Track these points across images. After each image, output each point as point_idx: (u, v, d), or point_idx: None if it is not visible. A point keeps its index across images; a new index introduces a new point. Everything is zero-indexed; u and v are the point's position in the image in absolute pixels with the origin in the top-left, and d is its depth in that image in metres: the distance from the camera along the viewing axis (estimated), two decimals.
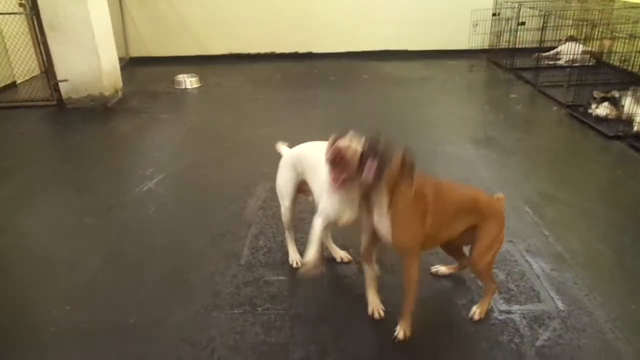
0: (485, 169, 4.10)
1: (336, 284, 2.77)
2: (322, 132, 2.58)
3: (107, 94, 5.91)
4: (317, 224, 2.33)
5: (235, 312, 2.55)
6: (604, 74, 5.81)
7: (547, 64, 6.93)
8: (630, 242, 3.09)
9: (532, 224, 3.26)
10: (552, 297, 2.58)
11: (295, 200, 2.79)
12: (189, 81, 6.75)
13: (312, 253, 2.25)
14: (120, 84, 6.33)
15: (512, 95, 6.06)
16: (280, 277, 2.81)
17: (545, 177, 3.94)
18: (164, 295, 2.70)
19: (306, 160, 2.59)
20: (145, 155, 4.64)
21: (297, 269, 2.82)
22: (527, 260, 2.87)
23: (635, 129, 4.62)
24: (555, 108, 5.49)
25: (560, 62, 6.94)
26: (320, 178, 2.37)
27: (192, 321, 2.49)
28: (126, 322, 2.49)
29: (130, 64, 7.71)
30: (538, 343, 2.29)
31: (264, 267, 2.91)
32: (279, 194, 2.84)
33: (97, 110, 5.74)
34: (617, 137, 4.53)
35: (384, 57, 7.88)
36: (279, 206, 3.55)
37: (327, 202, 2.28)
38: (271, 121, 5.40)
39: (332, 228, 2.64)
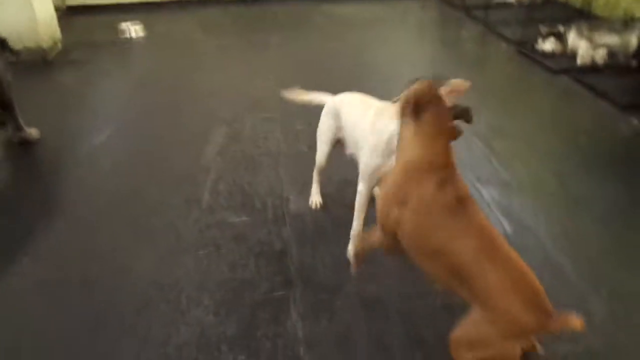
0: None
1: (297, 220, 2.84)
2: (277, 76, 2.59)
3: (45, 46, 5.57)
4: (362, 191, 2.41)
5: (200, 253, 2.59)
6: (551, 11, 5.93)
7: (497, 2, 6.99)
8: (572, 168, 3.29)
9: (481, 155, 3.41)
10: (500, 222, 2.75)
11: (331, 149, 2.75)
12: (133, 29, 6.43)
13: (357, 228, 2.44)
14: (58, 35, 5.97)
15: (463, 34, 6.14)
16: (243, 218, 2.86)
17: (495, 111, 4.08)
18: (127, 244, 2.71)
19: (344, 113, 2.56)
20: (94, 108, 4.47)
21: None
22: (477, 189, 3.02)
23: (578, 62, 4.80)
24: (504, 45, 5.61)
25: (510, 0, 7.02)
26: (357, 133, 2.40)
27: (158, 265, 2.52)
28: (91, 273, 2.50)
29: (68, 14, 7.25)
30: None
31: (226, 210, 2.94)
32: (318, 139, 2.78)
33: (36, 64, 5.42)
34: (563, 72, 4.70)
35: None
36: (237, 150, 3.61)
37: (368, 156, 2.30)
38: (224, 67, 5.29)
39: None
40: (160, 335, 2.12)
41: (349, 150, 2.58)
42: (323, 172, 2.90)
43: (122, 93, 4.78)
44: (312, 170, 2.97)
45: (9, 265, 2.54)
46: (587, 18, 5.24)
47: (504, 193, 3.00)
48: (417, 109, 1.70)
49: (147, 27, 6.50)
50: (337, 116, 2.60)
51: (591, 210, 2.87)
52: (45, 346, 2.10)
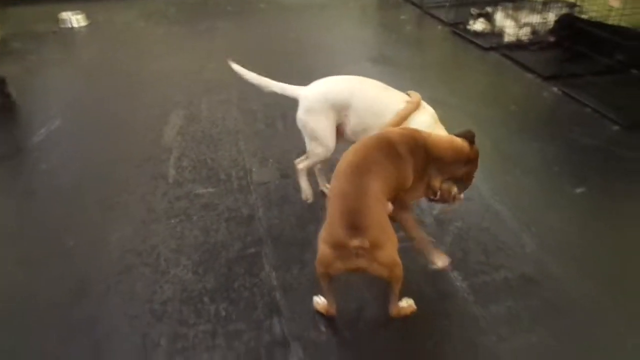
0: (382, 82, 4.48)
1: (261, 188, 3.04)
2: (226, 62, 2.76)
3: None
4: None
5: (172, 222, 2.75)
6: None
7: None
8: (504, 132, 3.67)
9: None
10: None
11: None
12: (74, 19, 6.34)
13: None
14: None
15: (402, 17, 6.48)
16: (209, 189, 3.03)
17: (433, 85, 4.42)
18: (99, 219, 2.82)
19: (358, 98, 2.49)
20: (43, 97, 4.44)
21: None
22: None
23: (505, 40, 5.24)
24: (439, 27, 5.99)
25: None
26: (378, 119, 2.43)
27: (133, 235, 2.66)
28: (66, 245, 2.60)
29: (3, 4, 7.01)
30: (434, 212, 2.77)
31: (192, 182, 3.10)
32: (313, 138, 2.58)
33: None
34: (492, 49, 5.12)
35: None
36: (197, 130, 3.76)
37: None
38: (173, 54, 5.36)
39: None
40: (145, 293, 2.28)
41: (350, 134, 2.56)
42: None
43: (71, 81, 4.77)
44: (272, 146, 3.17)
45: None
46: (512, 0, 5.69)
47: None
48: (462, 136, 2.22)
49: (88, 16, 6.42)
50: (340, 108, 2.51)
51: (522, 166, 3.24)
52: (33, 314, 2.21)
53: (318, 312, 2.14)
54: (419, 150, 2.04)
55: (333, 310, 2.11)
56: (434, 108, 3.99)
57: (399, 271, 1.90)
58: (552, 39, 4.95)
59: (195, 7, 7.14)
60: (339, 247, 1.79)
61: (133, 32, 6.18)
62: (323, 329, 2.10)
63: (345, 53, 5.32)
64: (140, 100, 4.32)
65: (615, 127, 3.63)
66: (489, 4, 5.65)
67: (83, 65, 5.24)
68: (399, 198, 2.10)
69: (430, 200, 2.25)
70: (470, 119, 3.85)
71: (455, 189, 2.20)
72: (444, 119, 3.81)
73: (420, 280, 2.31)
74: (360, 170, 1.90)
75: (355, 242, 1.74)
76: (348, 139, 2.58)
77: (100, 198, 2.99)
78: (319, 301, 2.16)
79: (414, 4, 6.81)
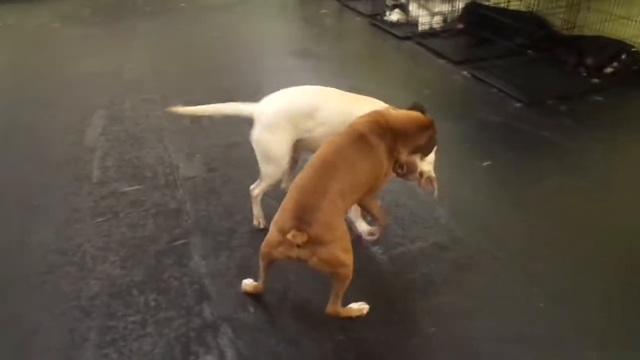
0: (303, 74, 4.63)
1: (188, 183, 3.08)
2: (149, 60, 2.76)
3: None
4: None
5: (99, 220, 2.75)
6: None
7: None
8: None
9: None
10: None
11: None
12: None
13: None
14: None
15: (322, 11, 6.63)
16: (135, 187, 3.04)
17: (353, 75, 4.60)
18: (19, 222, 2.77)
19: (325, 110, 2.33)
20: None
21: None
22: None
23: (419, 29, 5.52)
24: (358, 19, 6.20)
25: None
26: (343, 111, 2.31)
27: (56, 235, 2.64)
28: None
29: None
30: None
31: (117, 181, 3.10)
32: (267, 157, 2.40)
33: None
34: (407, 38, 5.38)
35: None
36: (120, 130, 3.73)
37: None
38: (92, 56, 5.22)
39: None
40: (71, 291, 2.29)
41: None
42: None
43: None
44: (198, 141, 3.20)
45: None
46: None
47: None
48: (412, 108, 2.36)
49: None
50: (302, 122, 2.33)
51: None
52: None
53: (246, 293, 2.24)
54: (386, 132, 2.10)
55: (261, 289, 2.21)
56: None
57: (343, 272, 1.96)
58: (460, 26, 5.26)
59: (112, 8, 6.96)
60: (283, 234, 1.86)
61: (47, 35, 5.95)
62: (252, 309, 2.20)
63: (268, 48, 5.41)
64: (58, 103, 4.21)
65: (518, 104, 3.95)
66: None
67: None
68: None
69: (399, 175, 2.33)
70: (388, 103, 4.06)
71: (418, 160, 2.36)
72: None
73: None
74: (327, 167, 1.98)
75: (291, 235, 1.81)
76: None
77: (20, 201, 2.93)
78: (247, 282, 2.25)
79: None
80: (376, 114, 2.17)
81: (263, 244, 1.99)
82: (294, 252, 1.88)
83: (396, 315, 2.17)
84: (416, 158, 2.34)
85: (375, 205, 2.33)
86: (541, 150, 3.39)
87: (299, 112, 2.34)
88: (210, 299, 2.24)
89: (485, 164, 3.21)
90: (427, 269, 2.40)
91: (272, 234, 1.94)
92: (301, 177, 2.00)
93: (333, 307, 2.08)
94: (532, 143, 3.47)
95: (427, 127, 2.25)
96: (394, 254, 2.51)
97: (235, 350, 2.00)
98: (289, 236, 1.82)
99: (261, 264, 2.10)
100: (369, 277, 2.36)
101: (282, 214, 1.92)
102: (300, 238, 1.81)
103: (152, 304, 2.22)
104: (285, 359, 1.97)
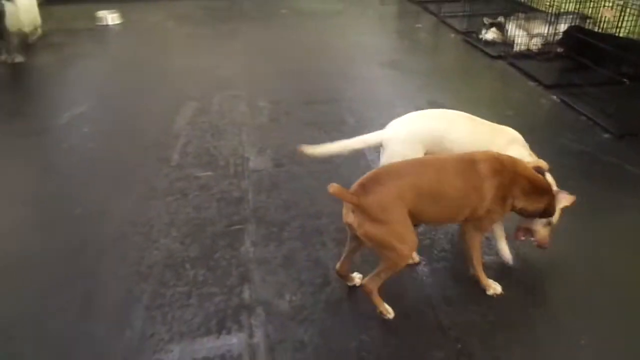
0: (387, 85, 4.70)
1: (255, 175, 3.27)
2: (244, 60, 2.99)
3: (26, 30, 5.90)
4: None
5: (169, 199, 3.02)
6: (495, 4, 6.50)
7: None
8: None
9: None
10: None
11: None
12: (110, 17, 6.80)
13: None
14: (39, 21, 6.30)
15: (417, 25, 6.66)
16: (208, 173, 3.29)
17: (436, 90, 4.58)
18: (104, 193, 3.11)
19: (453, 133, 2.35)
20: (74, 85, 4.86)
21: None
22: None
23: (515, 49, 5.35)
24: (452, 35, 6.14)
25: None
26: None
27: (132, 208, 2.94)
28: (73, 213, 2.90)
29: (47, 3, 7.54)
30: None
31: (193, 167, 3.37)
32: None
33: (17, 47, 5.74)
34: (500, 57, 5.24)
35: None
36: (205, 121, 4.04)
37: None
38: (195, 53, 5.70)
39: None
40: (134, 257, 2.54)
41: None
42: None
43: (100, 72, 5.15)
44: (272, 138, 3.40)
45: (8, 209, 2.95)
46: (525, 10, 5.79)
47: None
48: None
49: (123, 15, 6.86)
50: (431, 145, 2.34)
51: None
52: (39, 266, 2.50)
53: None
54: (505, 172, 2.07)
55: (341, 267, 2.27)
56: (429, 108, 4.17)
57: (390, 255, 1.98)
58: (560, 50, 5.03)
59: (221, 11, 7.51)
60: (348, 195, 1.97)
61: (162, 31, 6.57)
62: (288, 297, 2.30)
63: (358, 57, 5.54)
64: (158, 92, 4.65)
65: (606, 135, 3.71)
66: (502, 14, 5.77)
67: (113, 59, 5.64)
68: (475, 217, 2.13)
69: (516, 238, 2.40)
70: None
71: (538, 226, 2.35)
72: None
73: None
74: (418, 164, 2.09)
75: (347, 191, 1.92)
76: None
77: (108, 176, 3.29)
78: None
79: (431, 13, 6.98)
80: (504, 155, 2.15)
81: None
82: (350, 216, 1.97)
83: (425, 326, 2.16)
84: (536, 223, 2.34)
85: (474, 243, 2.23)
86: (622, 184, 3.17)
87: (428, 136, 2.33)
88: (252, 282, 2.39)
89: None
90: (467, 287, 2.36)
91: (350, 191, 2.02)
92: (395, 163, 2.11)
93: (369, 282, 2.10)
94: (613, 176, 3.25)
95: (544, 190, 2.17)
96: (437, 267, 2.49)
97: (264, 332, 2.12)
98: (348, 193, 1.91)
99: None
100: (406, 286, 2.37)
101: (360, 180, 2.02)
102: (350, 198, 1.91)
103: (200, 278, 2.41)
104: (309, 347, 2.05)
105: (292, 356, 2.02)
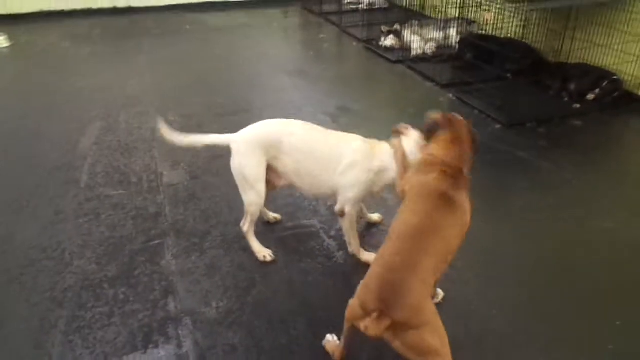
0: (295, 93, 4.81)
1: (170, 189, 3.22)
2: (150, 77, 2.92)
3: None
4: (351, 212, 2.43)
5: (81, 221, 2.90)
6: (392, 14, 6.90)
7: (350, 8, 7.87)
8: None
9: (330, 128, 4.00)
10: None
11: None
12: None
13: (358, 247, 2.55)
14: None
15: (321, 36, 6.88)
16: (120, 191, 3.20)
17: (342, 95, 4.77)
18: (7, 219, 2.93)
19: (288, 142, 2.43)
20: None
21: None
22: None
23: (412, 54, 5.70)
24: (354, 43, 6.42)
25: (361, 6, 7.94)
26: (317, 164, 2.40)
27: (40, 234, 2.79)
28: None
29: None
30: (329, 203, 3.05)
31: (104, 186, 3.26)
32: (244, 182, 2.48)
33: None
34: (399, 62, 5.57)
35: (205, 8, 8.19)
36: (113, 140, 3.91)
37: (356, 190, 2.37)
38: (96, 73, 5.48)
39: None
40: (47, 283, 2.42)
41: (286, 180, 2.54)
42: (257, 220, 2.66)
43: None
44: (184, 152, 3.36)
45: None
46: (418, 18, 6.20)
47: None
48: (430, 131, 2.07)
49: (11, 38, 6.44)
50: (271, 147, 2.45)
51: None
52: None
53: (327, 351, 2.05)
54: (457, 177, 1.89)
55: (341, 354, 1.98)
56: (340, 115, 4.33)
57: (430, 356, 1.65)
58: (461, 56, 5.39)
59: (121, 29, 7.28)
60: (365, 312, 1.66)
61: (57, 53, 6.24)
62: (214, 305, 2.31)
63: (265, 68, 5.62)
64: (59, 115, 4.42)
65: (498, 126, 4.07)
66: (398, 22, 6.13)
67: (3, 83, 5.27)
68: None
69: None
70: (371, 122, 4.21)
71: None
72: (349, 125, 4.16)
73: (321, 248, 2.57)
74: (418, 239, 1.74)
75: (373, 318, 1.61)
76: (289, 181, 2.54)
77: (9, 201, 3.09)
78: (330, 339, 2.08)
79: (333, 23, 7.25)
80: (431, 161, 1.95)
81: (347, 309, 1.78)
82: (376, 331, 1.62)
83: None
84: None
85: None
86: (515, 168, 3.50)
87: (265, 140, 2.46)
88: (176, 294, 2.36)
89: None
90: None
91: (354, 306, 1.73)
92: (387, 249, 1.76)
93: None
94: (506, 162, 3.57)
95: (459, 129, 2.01)
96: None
97: (193, 341, 2.11)
98: (369, 321, 1.62)
99: (345, 327, 1.89)
100: (332, 270, 2.47)
101: (366, 289, 1.70)
102: (383, 324, 1.60)
103: (121, 297, 2.34)
104: (240, 349, 2.07)
105: None
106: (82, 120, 4.21)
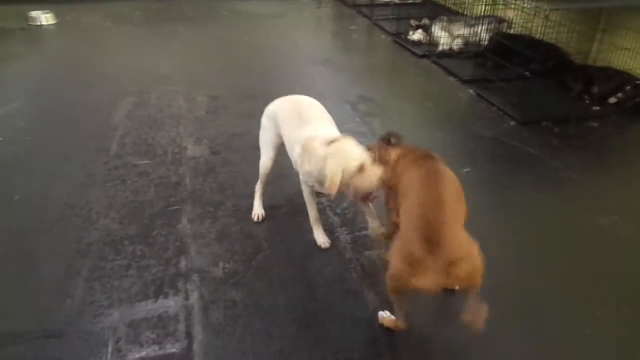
0: (319, 80, 4.98)
1: (192, 162, 3.45)
2: (182, 58, 3.12)
3: None
4: (306, 190, 2.57)
5: (108, 185, 3.15)
6: (423, 9, 6.98)
7: (383, 1, 7.96)
8: (416, 122, 4.17)
9: (348, 115, 4.20)
10: None
11: (276, 153, 2.74)
12: (44, 17, 6.73)
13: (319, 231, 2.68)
14: None
15: (351, 27, 7.01)
16: (146, 161, 3.44)
17: (365, 85, 4.91)
18: (43, 180, 3.20)
19: (279, 114, 2.63)
20: (7, 82, 4.84)
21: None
22: None
23: (439, 49, 5.79)
24: (383, 36, 6.54)
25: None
26: (290, 131, 2.52)
27: (71, 194, 3.05)
28: (13, 199, 2.99)
29: None
30: None
31: (131, 155, 3.51)
32: (261, 146, 2.78)
33: None
34: (425, 56, 5.66)
35: None
36: (143, 114, 4.17)
37: (306, 178, 2.43)
38: (133, 52, 5.77)
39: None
40: (74, 236, 2.67)
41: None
42: (267, 183, 2.87)
43: (35, 71, 5.15)
44: (208, 129, 3.57)
45: None
46: (447, 14, 6.27)
47: (360, 140, 3.78)
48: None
49: (57, 16, 6.81)
50: (273, 118, 2.66)
51: None
52: None
53: (384, 327, 2.15)
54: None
55: (403, 326, 2.05)
56: (360, 103, 4.48)
57: (478, 281, 1.76)
58: (486, 54, 5.46)
59: (160, 12, 7.59)
60: (412, 263, 1.71)
61: (98, 31, 6.57)
62: (221, 265, 2.51)
63: (293, 55, 5.81)
64: (96, 89, 4.71)
65: (513, 123, 4.15)
66: (427, 17, 6.21)
67: (48, 58, 5.63)
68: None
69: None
70: (389, 112, 4.35)
71: None
72: (367, 112, 4.31)
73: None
74: (433, 185, 1.91)
75: (429, 259, 1.67)
76: None
77: (47, 164, 3.38)
78: (384, 315, 2.15)
79: (365, 16, 7.37)
80: (400, 152, 2.30)
81: (388, 279, 1.86)
82: (427, 280, 1.68)
83: (344, 287, 2.43)
84: None
85: None
86: (522, 164, 3.58)
87: (269, 114, 2.70)
88: (188, 254, 2.58)
89: (464, 170, 3.43)
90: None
91: (398, 266, 1.77)
92: (408, 207, 1.91)
93: (474, 315, 1.84)
94: (515, 157, 3.66)
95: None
96: (358, 235, 2.77)
97: (199, 295, 2.32)
98: (424, 274, 1.68)
99: (393, 299, 1.98)
100: (332, 253, 2.64)
101: (406, 245, 1.77)
102: (440, 266, 1.66)
103: (138, 253, 2.58)
104: (240, 305, 2.27)
105: (224, 313, 2.23)
106: (116, 95, 4.49)
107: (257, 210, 2.89)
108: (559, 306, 2.32)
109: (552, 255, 2.66)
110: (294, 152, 2.46)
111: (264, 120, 2.73)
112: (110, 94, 4.53)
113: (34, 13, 6.71)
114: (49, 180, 3.20)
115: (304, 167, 2.35)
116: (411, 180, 2.05)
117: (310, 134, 2.40)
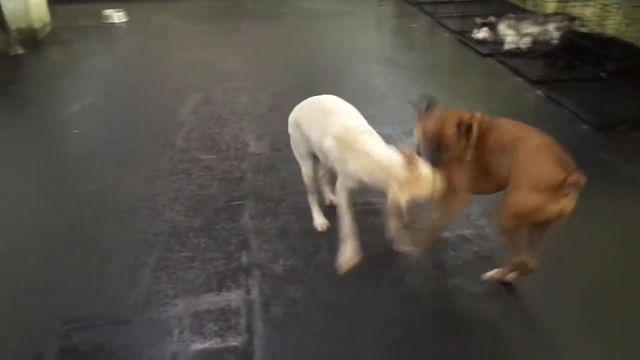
0: (381, 79, 4.94)
1: (254, 158, 3.51)
2: (246, 55, 3.18)
3: (35, 27, 6.16)
4: (343, 194, 2.35)
5: (174, 178, 3.26)
6: (489, 6, 6.76)
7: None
8: None
9: (410, 115, 4.12)
10: None
11: (315, 161, 2.62)
12: (116, 16, 7.05)
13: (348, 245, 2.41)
14: (48, 18, 6.56)
15: (413, 25, 6.91)
16: (210, 156, 3.53)
17: (427, 84, 4.82)
18: (115, 173, 3.36)
19: (302, 119, 2.51)
20: (83, 78, 5.11)
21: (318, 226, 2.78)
22: (402, 138, 3.73)
23: (505, 48, 5.59)
24: (446, 34, 6.39)
25: None
26: (317, 132, 2.34)
27: (139, 186, 3.18)
28: (88, 190, 3.16)
29: (55, 1, 7.77)
30: None
31: (196, 150, 3.61)
32: (297, 158, 2.70)
33: (27, 43, 5.98)
34: (490, 55, 5.48)
35: None
36: (208, 111, 4.29)
37: (345, 181, 2.30)
38: (199, 49, 5.95)
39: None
40: (142, 227, 2.78)
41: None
42: (315, 191, 2.78)
43: (108, 67, 5.40)
44: (271, 126, 3.62)
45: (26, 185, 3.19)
46: (515, 12, 6.04)
47: None
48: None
49: (129, 14, 7.12)
50: (297, 126, 2.55)
51: None
52: (55, 234, 2.74)
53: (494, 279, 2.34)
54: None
55: (533, 265, 2.17)
56: (422, 103, 4.40)
57: None
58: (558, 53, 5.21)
59: (225, 10, 7.78)
60: (552, 189, 1.83)
61: (167, 29, 6.82)
62: (282, 262, 2.54)
63: (355, 54, 5.78)
64: (164, 85, 4.90)
65: (586, 126, 3.94)
66: (493, 15, 6.01)
67: (120, 54, 5.89)
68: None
69: None
70: None
71: None
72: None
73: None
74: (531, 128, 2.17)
75: (574, 177, 1.82)
76: None
77: (118, 157, 3.54)
78: (493, 272, 2.34)
79: (428, 13, 7.23)
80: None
81: (512, 215, 1.99)
82: (558, 206, 1.85)
83: (404, 290, 2.39)
84: None
85: None
86: (595, 170, 3.36)
87: (292, 118, 2.62)
88: (250, 250, 2.62)
89: None
90: (447, 256, 2.59)
91: (533, 198, 1.89)
92: (530, 142, 2.12)
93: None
94: (587, 163, 3.37)
95: None
96: None
97: (260, 290, 2.35)
98: (574, 178, 1.83)
99: (512, 241, 2.08)
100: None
101: (539, 174, 1.92)
102: (581, 184, 1.83)
103: (203, 245, 2.65)
104: (299, 303, 2.29)
105: (284, 310, 2.26)
106: (183, 91, 4.63)
107: (318, 220, 2.78)
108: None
109: (617, 266, 2.50)
110: (324, 145, 2.28)
111: (290, 131, 2.63)
112: (178, 90, 4.68)
113: (108, 12, 7.05)
114: (119, 172, 3.35)
115: (348, 166, 2.19)
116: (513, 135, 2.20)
117: (345, 125, 2.27)
